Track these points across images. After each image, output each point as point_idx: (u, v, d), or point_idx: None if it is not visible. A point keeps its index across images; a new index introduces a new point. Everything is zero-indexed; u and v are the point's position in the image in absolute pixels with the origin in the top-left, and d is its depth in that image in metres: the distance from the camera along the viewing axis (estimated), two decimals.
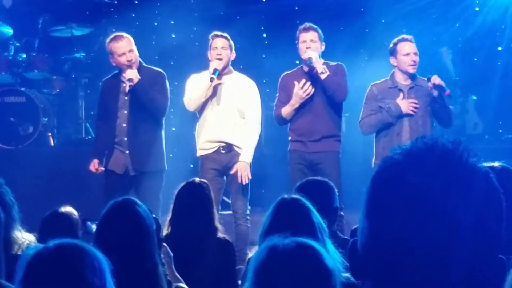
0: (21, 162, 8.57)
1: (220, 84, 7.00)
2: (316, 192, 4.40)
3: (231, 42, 7.09)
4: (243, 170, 6.87)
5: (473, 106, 10.39)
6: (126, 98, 6.91)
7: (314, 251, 2.25)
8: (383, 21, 10.38)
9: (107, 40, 7.01)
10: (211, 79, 6.86)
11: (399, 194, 1.22)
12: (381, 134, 6.94)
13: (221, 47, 6.99)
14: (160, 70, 7.13)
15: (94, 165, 6.99)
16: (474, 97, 10.43)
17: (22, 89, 9.23)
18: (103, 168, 6.97)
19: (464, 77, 10.35)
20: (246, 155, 6.93)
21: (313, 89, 6.95)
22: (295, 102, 6.96)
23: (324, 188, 4.56)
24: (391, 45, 6.96)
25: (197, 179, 5.10)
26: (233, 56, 7.10)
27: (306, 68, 7.03)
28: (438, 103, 6.79)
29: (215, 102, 7.01)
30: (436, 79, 6.79)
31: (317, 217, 3.28)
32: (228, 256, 4.78)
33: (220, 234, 4.75)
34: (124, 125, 6.91)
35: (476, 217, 1.20)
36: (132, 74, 6.81)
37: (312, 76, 6.97)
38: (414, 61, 6.85)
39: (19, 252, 3.43)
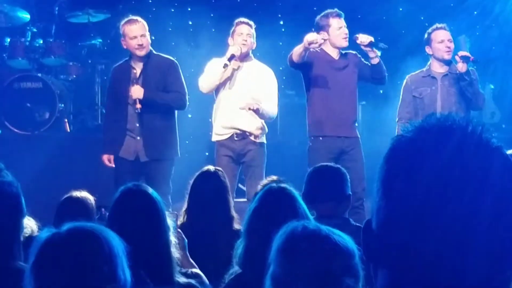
0: (37, 147, 8.60)
1: (236, 69, 7.00)
2: (328, 179, 4.45)
3: (254, 31, 7.11)
4: (251, 105, 6.82)
5: (491, 95, 10.32)
6: (137, 84, 6.89)
7: (332, 234, 2.29)
8: (400, 9, 10.31)
9: (122, 23, 7.02)
10: (225, 65, 6.85)
11: (414, 172, 1.19)
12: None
13: (246, 33, 7.03)
14: (172, 58, 7.11)
15: (110, 161, 7.00)
16: (492, 86, 10.37)
17: (39, 75, 9.24)
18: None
19: (482, 66, 10.28)
20: (263, 105, 6.89)
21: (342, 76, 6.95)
22: (302, 44, 6.81)
23: (336, 174, 4.51)
24: (425, 35, 7.08)
25: (212, 167, 5.09)
26: (254, 45, 7.13)
27: (336, 54, 6.97)
28: (466, 80, 6.83)
29: (232, 88, 7.02)
30: (462, 52, 6.93)
31: (302, 206, 3.29)
32: None
33: (235, 223, 4.73)
34: (136, 111, 6.90)
35: (495, 194, 1.18)
36: (136, 93, 6.80)
37: (341, 60, 6.97)
38: (449, 47, 6.96)
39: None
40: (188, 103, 7.10)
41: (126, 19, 7.03)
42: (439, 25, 7.08)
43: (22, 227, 3.05)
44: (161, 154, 6.95)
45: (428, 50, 7.06)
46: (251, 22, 7.12)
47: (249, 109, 6.81)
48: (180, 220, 4.69)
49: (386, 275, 1.23)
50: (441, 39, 6.98)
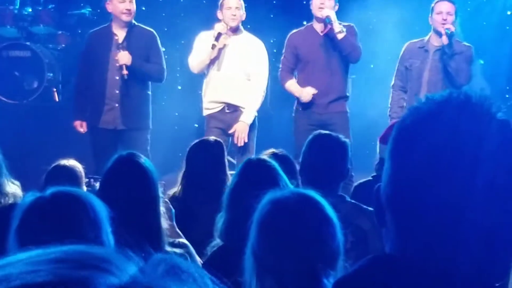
0: (25, 117, 8.56)
1: (225, 45, 6.94)
2: (329, 151, 4.17)
3: (242, 2, 7.03)
4: (240, 131, 6.85)
5: (480, 70, 10.32)
6: (119, 51, 6.81)
7: (315, 201, 2.28)
8: None
9: None
10: (213, 46, 6.80)
11: (422, 138, 1.25)
12: (407, 94, 6.96)
13: (235, 7, 6.92)
14: (152, 30, 7.02)
15: (83, 127, 6.95)
16: (481, 61, 10.36)
17: (28, 43, 9.18)
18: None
19: (473, 42, 10.26)
20: (246, 116, 6.90)
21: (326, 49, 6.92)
22: (297, 93, 6.98)
23: (337, 146, 4.22)
24: (432, 5, 6.98)
25: (212, 138, 5.06)
26: (244, 16, 7.04)
27: (319, 27, 6.96)
28: (446, 53, 6.79)
29: (222, 62, 6.96)
30: (447, 25, 6.81)
31: (282, 177, 3.27)
32: None
33: None
34: (117, 77, 6.81)
35: (498, 166, 1.22)
36: (124, 59, 6.71)
37: (325, 35, 6.92)
38: (445, 20, 6.84)
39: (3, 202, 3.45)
40: (164, 79, 7.06)
41: None
42: None
43: None
44: (138, 123, 6.90)
45: (430, 20, 6.99)
46: None
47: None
48: (175, 190, 4.67)
49: (394, 237, 1.29)
50: (439, 10, 6.90)
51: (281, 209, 2.25)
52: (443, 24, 6.84)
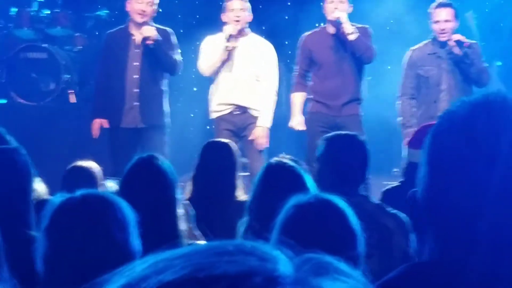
0: (42, 118, 8.61)
1: (235, 47, 6.94)
2: (347, 148, 4.09)
3: (248, 3, 6.98)
4: (261, 137, 6.84)
5: (497, 72, 10.28)
6: (137, 50, 6.86)
7: (339, 208, 2.26)
8: None
9: None
10: (227, 48, 6.80)
11: (461, 143, 1.22)
12: (420, 102, 6.89)
13: (239, 9, 6.87)
14: (169, 29, 7.07)
15: (103, 125, 6.97)
16: (499, 63, 10.32)
17: (45, 45, 9.22)
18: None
19: (490, 43, 10.23)
20: (265, 120, 6.89)
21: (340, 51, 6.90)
22: (292, 111, 7.10)
23: (357, 144, 4.12)
24: (429, 10, 6.91)
25: (222, 140, 5.06)
26: (250, 17, 7.00)
27: (332, 29, 6.95)
28: (465, 62, 6.73)
29: (230, 65, 6.95)
30: (456, 36, 6.73)
31: (307, 179, 3.23)
32: None
33: (242, 196, 4.69)
34: (135, 76, 6.87)
35: None
36: (150, 31, 6.75)
37: (338, 37, 6.91)
38: (442, 29, 6.74)
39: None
40: (180, 72, 7.10)
41: None
42: (440, 1, 6.83)
43: (31, 194, 3.06)
44: (157, 120, 6.94)
45: (430, 25, 6.94)
46: None
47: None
48: (187, 192, 4.67)
49: (433, 244, 1.27)
50: (436, 19, 6.78)
51: (304, 214, 2.25)
52: (442, 34, 6.74)
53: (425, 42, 7.02)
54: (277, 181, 3.21)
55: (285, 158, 4.13)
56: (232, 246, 0.72)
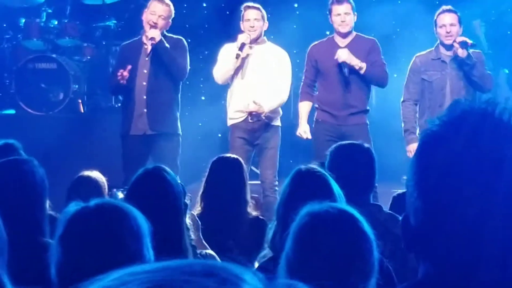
0: (51, 128, 8.64)
1: (249, 55, 6.99)
2: (354, 157, 4.14)
3: (264, 12, 7.08)
4: (255, 108, 6.88)
5: (505, 80, 10.28)
6: (147, 58, 6.97)
7: (353, 217, 2.27)
8: None
9: None
10: (237, 55, 6.86)
11: (445, 169, 1.19)
12: (424, 106, 6.94)
13: (254, 18, 7.00)
14: (181, 37, 7.15)
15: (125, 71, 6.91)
16: (506, 71, 10.32)
17: (53, 55, 9.27)
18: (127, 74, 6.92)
19: (497, 51, 10.23)
20: (266, 105, 6.92)
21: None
22: (300, 121, 7.13)
23: (362, 154, 4.17)
24: (434, 18, 6.98)
25: (232, 155, 5.05)
26: (265, 26, 7.11)
27: (340, 40, 7.00)
28: (468, 64, 6.78)
29: (246, 72, 7.02)
30: (459, 38, 6.82)
31: (335, 186, 3.22)
32: (261, 234, 4.65)
33: (253, 211, 4.68)
34: (144, 83, 6.96)
35: None
36: (154, 33, 6.82)
37: (344, 47, 6.94)
38: (449, 32, 6.84)
39: None
40: (185, 77, 7.13)
41: None
42: (444, 8, 6.97)
43: (46, 205, 3.15)
44: (166, 127, 6.98)
45: (435, 32, 7.01)
46: (258, 5, 7.09)
47: (251, 113, 6.89)
48: (198, 209, 4.66)
49: (428, 266, 1.25)
50: (441, 23, 6.90)
51: (318, 222, 2.25)
52: (447, 37, 6.84)
53: (430, 49, 7.09)
54: (305, 186, 3.20)
55: (315, 165, 4.13)
56: (200, 266, 0.74)
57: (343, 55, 6.79)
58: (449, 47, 6.92)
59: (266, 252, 3.31)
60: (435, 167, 1.21)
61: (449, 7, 6.97)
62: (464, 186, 1.18)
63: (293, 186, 3.25)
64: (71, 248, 2.10)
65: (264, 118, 6.98)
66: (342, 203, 3.04)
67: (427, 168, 1.23)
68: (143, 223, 2.16)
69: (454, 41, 6.83)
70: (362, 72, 6.83)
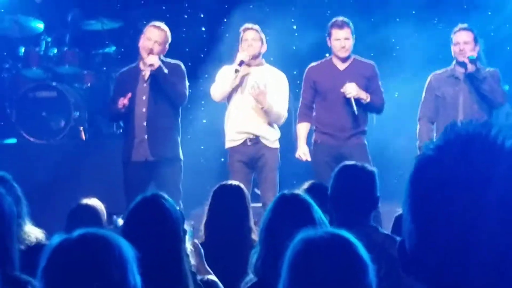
0: (52, 156, 8.64)
1: (247, 75, 7.02)
2: (354, 180, 4.16)
3: (262, 34, 7.13)
4: (257, 95, 6.91)
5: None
6: (145, 85, 6.99)
7: (349, 242, 2.25)
8: (413, 12, 10.28)
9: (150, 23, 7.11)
10: (236, 71, 6.89)
11: (439, 194, 1.19)
12: (440, 123, 7.02)
13: (251, 39, 7.04)
14: (179, 62, 7.16)
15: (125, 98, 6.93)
16: (507, 87, 10.31)
17: (54, 83, 9.29)
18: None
19: (496, 66, 10.23)
20: (267, 102, 6.94)
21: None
22: (298, 143, 7.15)
23: (363, 174, 4.20)
24: (451, 36, 7.12)
25: (234, 182, 5.02)
26: (264, 48, 7.14)
27: (339, 63, 7.02)
28: (477, 79, 6.89)
29: (243, 94, 7.05)
30: (468, 53, 6.95)
31: (317, 212, 3.23)
32: None
33: (257, 238, 4.64)
34: (144, 110, 6.97)
35: (507, 198, 1.16)
36: (153, 60, 6.84)
37: (343, 70, 6.98)
38: (462, 50, 6.98)
39: (22, 247, 3.45)
40: (185, 103, 7.14)
41: (154, 22, 7.15)
42: (460, 26, 7.14)
43: (15, 235, 3.03)
44: (166, 153, 6.98)
45: (452, 50, 7.13)
46: (256, 27, 7.14)
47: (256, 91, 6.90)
48: (201, 237, 4.63)
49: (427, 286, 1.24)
50: (456, 41, 7.06)
51: (313, 249, 2.23)
52: (461, 53, 6.96)
53: (446, 68, 7.22)
54: (287, 211, 3.21)
55: (301, 191, 4.13)
56: None
57: (353, 91, 6.83)
58: (463, 64, 7.05)
59: (251, 278, 3.29)
60: (427, 191, 1.21)
61: (465, 25, 7.13)
62: (454, 209, 1.17)
63: (276, 211, 3.25)
64: (54, 281, 2.09)
65: (262, 141, 6.98)
66: (327, 228, 3.03)
67: (419, 192, 1.23)
68: (128, 249, 2.15)
69: (465, 57, 6.93)
70: (366, 102, 6.91)
